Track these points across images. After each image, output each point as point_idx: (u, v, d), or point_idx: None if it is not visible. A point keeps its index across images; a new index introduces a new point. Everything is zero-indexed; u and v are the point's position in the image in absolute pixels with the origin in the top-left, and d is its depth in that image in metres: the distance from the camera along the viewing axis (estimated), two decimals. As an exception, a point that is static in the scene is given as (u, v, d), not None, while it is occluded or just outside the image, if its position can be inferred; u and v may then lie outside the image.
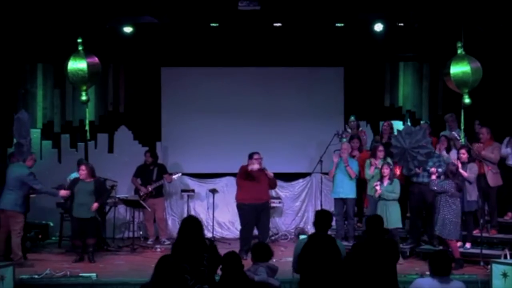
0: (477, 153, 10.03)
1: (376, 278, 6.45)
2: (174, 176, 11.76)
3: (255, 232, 10.41)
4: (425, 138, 9.77)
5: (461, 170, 9.45)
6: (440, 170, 9.66)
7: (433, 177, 9.48)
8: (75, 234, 10.03)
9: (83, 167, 10.08)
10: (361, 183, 10.68)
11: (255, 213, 10.21)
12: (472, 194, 9.67)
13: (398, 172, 10.22)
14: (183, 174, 12.30)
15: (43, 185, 9.86)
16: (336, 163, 10.57)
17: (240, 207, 10.35)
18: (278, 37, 12.00)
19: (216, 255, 5.90)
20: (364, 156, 10.83)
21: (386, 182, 9.73)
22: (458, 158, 9.76)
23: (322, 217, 6.63)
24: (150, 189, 11.61)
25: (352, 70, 12.79)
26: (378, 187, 9.66)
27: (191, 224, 5.86)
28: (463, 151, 9.75)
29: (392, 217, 9.57)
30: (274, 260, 7.21)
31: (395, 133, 10.64)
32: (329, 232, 6.70)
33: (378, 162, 10.15)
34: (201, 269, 5.68)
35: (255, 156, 10.25)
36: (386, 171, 9.74)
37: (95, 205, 9.94)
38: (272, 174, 10.40)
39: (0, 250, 9.56)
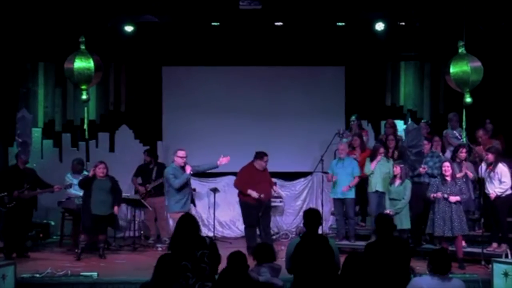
0: (479, 154, 10.01)
1: (390, 277, 6.36)
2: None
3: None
4: (418, 137, 9.69)
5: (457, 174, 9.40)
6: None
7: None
8: (88, 230, 10.04)
9: (102, 165, 10.19)
10: (364, 182, 10.65)
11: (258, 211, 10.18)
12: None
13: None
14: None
15: (178, 181, 9.81)
16: (333, 165, 10.57)
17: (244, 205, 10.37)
18: (279, 36, 12.01)
19: (216, 254, 5.91)
20: (366, 155, 10.82)
21: (397, 182, 9.67)
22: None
23: (311, 216, 6.52)
24: (148, 188, 11.60)
25: (353, 69, 12.78)
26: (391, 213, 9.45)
27: (186, 222, 5.88)
28: (461, 149, 9.74)
29: (402, 218, 9.50)
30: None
31: (398, 131, 10.62)
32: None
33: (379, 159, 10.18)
34: (202, 266, 5.69)
35: (265, 158, 10.28)
36: (396, 169, 9.67)
37: (116, 208, 10.24)
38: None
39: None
